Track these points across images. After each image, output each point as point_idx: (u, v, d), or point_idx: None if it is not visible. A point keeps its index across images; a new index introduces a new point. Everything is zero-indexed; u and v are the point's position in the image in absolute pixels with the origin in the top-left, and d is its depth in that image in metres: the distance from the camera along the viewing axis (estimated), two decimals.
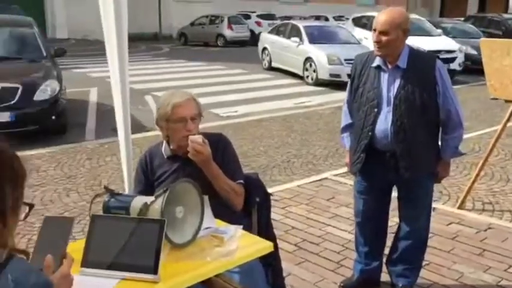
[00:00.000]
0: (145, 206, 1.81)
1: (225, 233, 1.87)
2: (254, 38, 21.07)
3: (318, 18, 24.93)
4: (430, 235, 3.79)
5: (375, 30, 2.62)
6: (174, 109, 2.30)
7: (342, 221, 4.15)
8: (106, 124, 7.17)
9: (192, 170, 2.30)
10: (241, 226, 2.02)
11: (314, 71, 11.95)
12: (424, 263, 3.38)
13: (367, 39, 13.60)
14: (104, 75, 11.74)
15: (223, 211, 2.29)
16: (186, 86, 11.17)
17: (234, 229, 1.92)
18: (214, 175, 2.31)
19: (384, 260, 3.11)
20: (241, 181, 2.43)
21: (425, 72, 2.64)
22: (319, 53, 11.94)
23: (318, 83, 11.81)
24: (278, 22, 18.34)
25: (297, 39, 12.88)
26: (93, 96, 9.87)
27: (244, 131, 7.44)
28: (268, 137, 7.11)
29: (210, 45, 23.46)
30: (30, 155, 5.92)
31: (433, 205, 4.42)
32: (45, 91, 6.68)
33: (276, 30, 14.67)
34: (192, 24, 24.68)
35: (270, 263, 2.52)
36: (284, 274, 3.22)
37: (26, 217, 1.11)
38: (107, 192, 1.95)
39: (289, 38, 13.31)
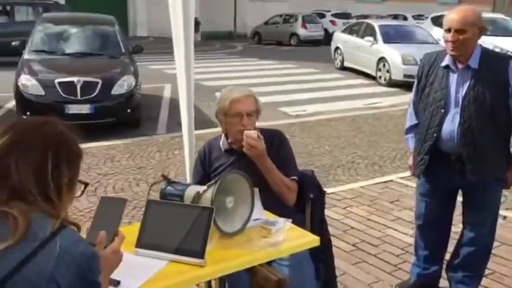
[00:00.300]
0: (198, 195, 1.89)
1: (274, 225, 1.91)
2: (328, 38, 20.85)
3: (395, 17, 24.29)
4: (497, 244, 3.64)
5: (448, 29, 2.53)
6: (232, 104, 2.37)
7: (404, 224, 4.05)
8: (177, 119, 7.41)
9: (247, 163, 2.36)
10: (290, 220, 2.05)
11: (387, 72, 11.67)
12: (487, 271, 3.23)
13: None
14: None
15: (276, 205, 2.34)
16: (257, 84, 11.33)
17: (282, 222, 1.96)
18: (267, 169, 2.35)
19: (444, 265, 3.01)
20: (295, 177, 2.46)
21: (497, 73, 2.53)
22: (393, 53, 11.64)
23: (391, 83, 11.51)
24: (353, 21, 18.05)
25: (370, 38, 12.62)
26: (167, 92, 10.25)
27: (311, 129, 7.43)
28: (335, 136, 7.05)
29: (283, 44, 23.54)
30: (106, 146, 6.29)
31: (504, 213, 4.23)
32: (122, 86, 7.05)
33: (350, 30, 14.47)
34: (266, 23, 24.89)
35: (322, 259, 2.53)
36: (339, 273, 3.22)
37: (81, 194, 1.21)
38: (164, 180, 2.05)
39: (363, 37, 13.09)
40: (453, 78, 2.60)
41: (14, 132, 1.09)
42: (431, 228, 2.91)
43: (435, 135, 2.64)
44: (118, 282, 1.54)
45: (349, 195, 4.72)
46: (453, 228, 2.99)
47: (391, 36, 12.42)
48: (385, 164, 5.85)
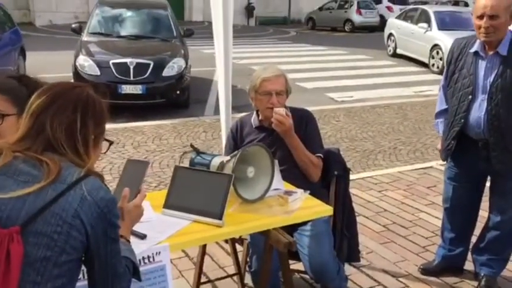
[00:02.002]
0: (222, 164, 2.06)
1: (291, 195, 2.05)
2: (384, 24, 20.44)
3: (456, 3, 23.45)
4: None
5: (481, 16, 2.54)
6: (263, 83, 2.51)
7: (438, 208, 4.06)
8: None
9: (275, 139, 2.51)
10: (308, 191, 2.18)
11: (440, 59, 11.38)
12: None
13: None
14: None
15: (301, 180, 2.47)
16: (306, 70, 11.39)
17: (300, 192, 2.10)
18: (294, 146, 2.49)
19: (470, 248, 3.05)
20: (320, 154, 2.58)
21: None
22: (447, 40, 11.28)
23: None
24: (411, 7, 17.59)
25: (425, 25, 12.32)
26: (217, 76, 10.49)
27: (356, 115, 7.45)
28: (380, 123, 7.05)
29: (337, 30, 23.29)
30: (155, 125, 6.60)
31: None
32: (173, 68, 7.33)
33: (404, 16, 14.16)
34: (321, 8, 24.65)
35: (345, 234, 2.65)
36: (366, 251, 3.34)
37: (106, 151, 1.41)
38: (193, 150, 2.24)
39: (417, 23, 12.79)
40: (482, 64, 2.61)
41: (49, 94, 1.29)
42: (458, 212, 2.95)
43: (462, 121, 2.68)
44: (145, 236, 1.74)
45: (386, 180, 4.76)
46: (481, 213, 3.02)
47: (446, 23, 12.07)
48: (427, 151, 5.82)
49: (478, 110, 2.62)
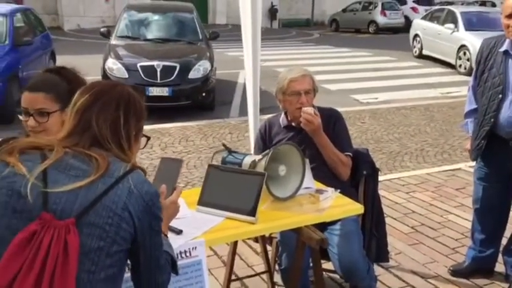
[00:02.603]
0: (254, 163, 2.10)
1: (322, 193, 2.08)
2: (408, 25, 20.24)
3: (483, 3, 23.07)
4: None
5: (510, 15, 2.55)
6: (290, 83, 2.54)
7: (467, 210, 4.02)
8: None
9: (304, 138, 2.54)
10: (339, 190, 2.20)
11: (468, 60, 11.23)
12: None
13: None
14: None
15: (331, 179, 2.49)
16: (330, 71, 11.36)
17: (330, 191, 2.12)
18: (323, 144, 2.51)
19: (501, 250, 3.02)
20: (349, 153, 2.59)
21: None
22: (475, 41, 11.12)
23: (472, 72, 11.06)
24: (437, 8, 17.39)
25: (451, 25, 12.17)
26: (242, 78, 10.55)
27: (381, 117, 7.42)
28: (406, 124, 7.00)
29: (361, 32, 23.16)
30: (181, 126, 6.69)
31: None
32: (198, 70, 7.42)
33: (430, 16, 14.01)
34: (344, 10, 24.54)
35: (374, 234, 2.66)
36: (395, 252, 3.34)
37: (144, 146, 1.46)
38: (225, 149, 2.28)
39: (443, 24, 12.64)
40: (511, 63, 2.60)
41: (92, 92, 1.34)
42: (488, 213, 2.93)
43: (492, 120, 2.67)
44: (181, 231, 1.79)
45: (414, 181, 4.73)
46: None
47: (473, 23, 11.90)
48: (455, 152, 5.76)
49: (509, 109, 2.61)
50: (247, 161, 2.15)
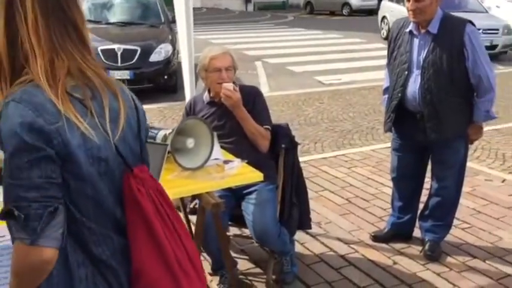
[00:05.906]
0: (165, 137, 2.27)
1: (228, 163, 2.26)
2: None
3: None
4: (486, 202, 3.83)
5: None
6: (211, 61, 2.71)
7: None
8: None
9: (225, 112, 2.71)
10: (246, 160, 2.38)
11: None
12: (465, 225, 3.46)
13: (498, 8, 12.61)
14: (225, 41, 12.56)
15: (251, 151, 2.68)
16: (299, 54, 11.51)
17: (237, 161, 2.30)
18: (243, 118, 2.68)
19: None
20: (268, 126, 2.77)
21: (454, 36, 2.72)
22: None
23: None
24: None
25: None
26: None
27: (340, 97, 7.62)
28: (362, 104, 7.21)
29: (335, 14, 23.29)
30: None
31: (504, 176, 4.35)
32: (160, 53, 7.52)
33: None
34: None
35: (294, 203, 2.86)
36: (325, 221, 3.54)
37: None
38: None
39: None
40: (415, 42, 2.82)
41: None
42: (404, 181, 3.15)
43: (399, 95, 2.87)
44: None
45: (357, 157, 4.95)
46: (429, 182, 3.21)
47: (441, 5, 12.07)
48: None
49: (413, 85, 2.82)
50: (161, 134, 2.32)
